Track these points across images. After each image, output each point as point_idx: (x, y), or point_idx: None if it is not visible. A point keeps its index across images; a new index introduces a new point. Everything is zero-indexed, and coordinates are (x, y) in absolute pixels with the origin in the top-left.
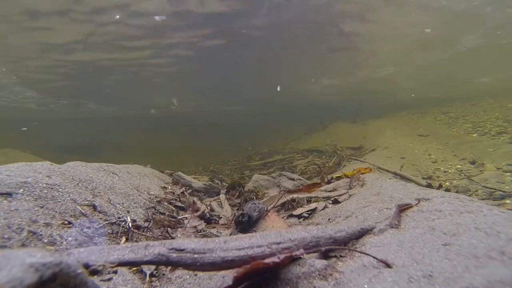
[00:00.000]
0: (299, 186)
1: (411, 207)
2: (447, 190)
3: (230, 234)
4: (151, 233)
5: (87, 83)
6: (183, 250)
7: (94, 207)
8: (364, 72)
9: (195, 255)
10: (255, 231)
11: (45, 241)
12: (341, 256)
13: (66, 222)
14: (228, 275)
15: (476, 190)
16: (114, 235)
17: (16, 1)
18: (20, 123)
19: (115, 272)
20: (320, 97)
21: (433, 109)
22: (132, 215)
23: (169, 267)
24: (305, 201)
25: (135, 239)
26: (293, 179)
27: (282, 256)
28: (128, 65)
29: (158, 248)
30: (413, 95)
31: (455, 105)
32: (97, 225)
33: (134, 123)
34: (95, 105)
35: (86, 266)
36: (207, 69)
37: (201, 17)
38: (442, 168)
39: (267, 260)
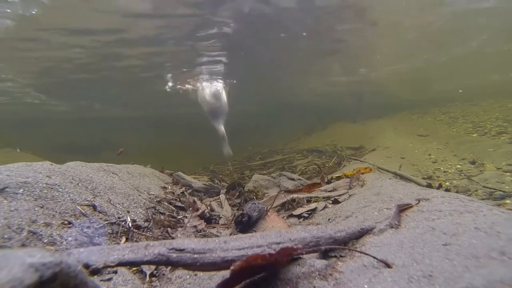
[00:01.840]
0: (299, 186)
1: (411, 207)
2: (447, 190)
3: (230, 234)
4: (151, 233)
5: (97, 85)
6: (183, 250)
7: (94, 207)
8: (366, 71)
9: (195, 255)
10: (255, 231)
11: (45, 241)
12: (341, 256)
13: (66, 222)
14: (228, 275)
15: (476, 190)
16: (114, 235)
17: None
18: (22, 123)
19: (115, 272)
20: (320, 97)
21: (433, 109)
22: (132, 215)
23: (169, 267)
24: (305, 201)
25: (135, 239)
26: (293, 179)
27: (278, 248)
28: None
29: (158, 248)
30: (460, 91)
31: (455, 105)
32: (97, 225)
33: (134, 123)
34: (100, 106)
35: (86, 266)
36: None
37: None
38: (442, 168)
39: (264, 253)
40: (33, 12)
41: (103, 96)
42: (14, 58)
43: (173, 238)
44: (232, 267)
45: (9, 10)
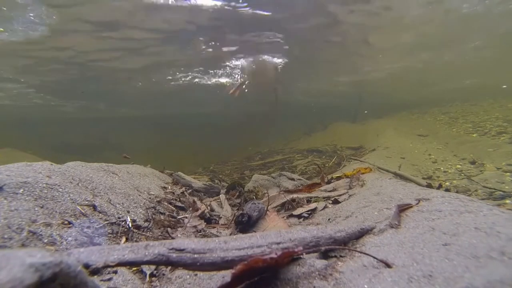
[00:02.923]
0: (299, 186)
1: (411, 207)
2: (447, 190)
3: (230, 234)
4: (151, 233)
5: (104, 86)
6: (183, 250)
7: (94, 207)
8: (367, 70)
9: (195, 255)
10: (255, 231)
11: (45, 241)
12: (341, 256)
13: (66, 222)
14: (228, 275)
15: (476, 190)
16: (114, 235)
17: None
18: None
19: (115, 272)
20: (320, 97)
21: (433, 109)
22: (132, 215)
23: (169, 267)
24: (305, 201)
25: (135, 239)
26: (293, 179)
27: (279, 252)
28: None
29: (158, 248)
30: (504, 86)
31: (455, 105)
32: (97, 225)
33: (135, 123)
34: (105, 106)
35: (86, 266)
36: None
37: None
38: (442, 168)
39: (265, 257)
40: (54, 17)
41: (109, 96)
42: (24, 61)
43: (173, 238)
44: (233, 271)
45: (32, 15)
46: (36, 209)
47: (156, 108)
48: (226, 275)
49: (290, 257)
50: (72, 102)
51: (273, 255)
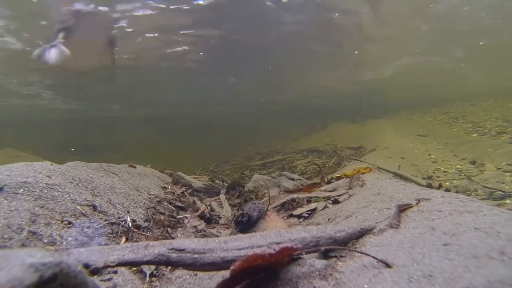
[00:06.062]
0: (299, 186)
1: (411, 207)
2: (447, 190)
3: (230, 234)
4: (151, 233)
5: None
6: (183, 250)
7: (94, 207)
8: (367, 69)
9: (195, 255)
10: (255, 231)
11: (45, 241)
12: (341, 256)
13: (66, 222)
14: (228, 275)
15: (476, 190)
16: (114, 235)
17: None
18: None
19: (115, 272)
20: (320, 97)
21: (433, 109)
22: (132, 215)
23: (169, 267)
24: (305, 201)
25: (135, 239)
26: (293, 179)
27: (278, 248)
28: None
29: (158, 248)
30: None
31: (455, 105)
32: (97, 225)
33: (134, 123)
34: (118, 106)
35: (86, 266)
36: (208, 67)
37: (205, 13)
38: (442, 168)
39: (264, 252)
40: None
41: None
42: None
43: (173, 238)
44: (232, 267)
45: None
46: (36, 209)
47: (156, 108)
48: (226, 275)
49: (289, 256)
50: (84, 103)
51: (272, 251)
